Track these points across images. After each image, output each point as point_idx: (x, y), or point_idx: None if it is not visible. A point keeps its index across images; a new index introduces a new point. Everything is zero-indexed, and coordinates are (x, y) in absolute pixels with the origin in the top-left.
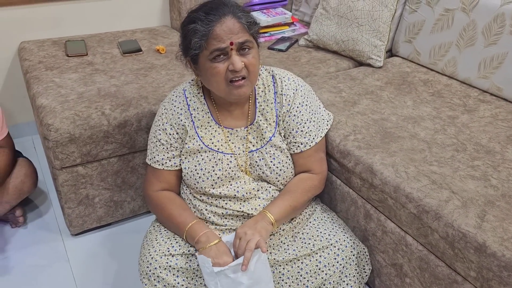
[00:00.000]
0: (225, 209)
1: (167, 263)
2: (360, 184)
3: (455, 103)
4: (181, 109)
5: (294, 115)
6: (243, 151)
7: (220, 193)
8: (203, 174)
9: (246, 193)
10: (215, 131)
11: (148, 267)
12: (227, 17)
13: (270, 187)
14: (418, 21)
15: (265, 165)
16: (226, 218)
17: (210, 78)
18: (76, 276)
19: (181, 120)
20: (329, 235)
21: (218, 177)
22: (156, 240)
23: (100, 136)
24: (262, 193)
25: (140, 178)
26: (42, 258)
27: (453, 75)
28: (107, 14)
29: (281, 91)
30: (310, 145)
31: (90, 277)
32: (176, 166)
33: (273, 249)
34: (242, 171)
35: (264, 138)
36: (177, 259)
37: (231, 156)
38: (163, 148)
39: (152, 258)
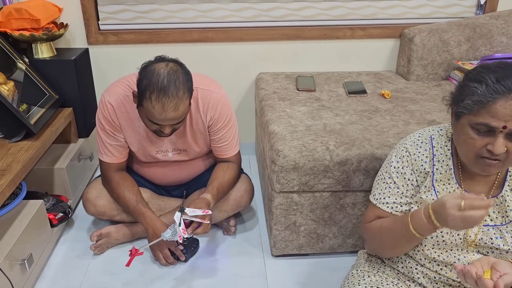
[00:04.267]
0: (439, 274)
1: None
2: None
3: None
4: (426, 156)
5: None
6: None
7: (438, 255)
8: None
9: (468, 263)
10: (454, 191)
11: None
12: None
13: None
14: None
15: (504, 244)
16: (437, 284)
17: (462, 142)
18: None
19: (424, 168)
20: None
21: (443, 241)
22: (359, 284)
23: (320, 169)
24: None
25: (347, 217)
26: (244, 269)
27: None
28: (337, 55)
29: None
30: None
31: None
32: (406, 212)
33: None
34: (468, 243)
35: (507, 216)
36: None
37: None
38: (398, 192)
39: None
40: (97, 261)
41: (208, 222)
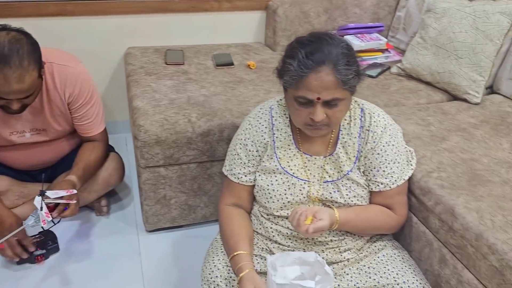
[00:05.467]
0: (290, 230)
1: (228, 273)
2: (439, 226)
3: None
4: (265, 127)
5: (378, 153)
6: (318, 180)
7: (287, 214)
8: (274, 195)
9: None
10: (294, 155)
11: (210, 274)
12: (325, 68)
13: None
14: None
15: (340, 197)
16: (290, 239)
17: (292, 113)
18: (144, 269)
19: (264, 139)
20: (397, 274)
21: (288, 201)
22: (221, 249)
23: (183, 141)
24: None
25: (215, 186)
26: (117, 248)
27: None
28: (206, 28)
29: (369, 126)
30: (390, 187)
31: (156, 273)
32: (251, 182)
33: (336, 278)
34: (312, 200)
35: (341, 171)
36: None
37: (305, 183)
38: (241, 162)
39: (215, 266)
40: None
41: (75, 201)
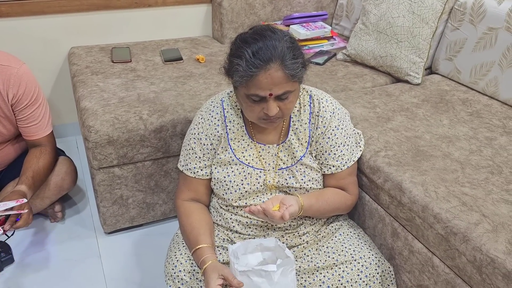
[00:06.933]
0: (249, 218)
1: (191, 266)
2: (389, 202)
3: (494, 124)
4: (218, 120)
5: (329, 137)
6: (273, 168)
7: (245, 203)
8: (231, 186)
9: (264, 201)
10: (248, 145)
11: (173, 269)
12: (273, 65)
13: None
14: (460, 39)
15: (295, 182)
16: (250, 228)
17: (245, 109)
18: (106, 272)
19: (218, 131)
20: (354, 250)
21: (246, 191)
22: (183, 243)
23: (136, 139)
24: None
25: (173, 182)
26: (76, 253)
27: (494, 95)
28: (152, 23)
29: (318, 112)
30: (342, 169)
31: (119, 274)
32: (207, 175)
33: (297, 260)
34: (269, 187)
35: (295, 157)
36: None
37: (260, 172)
38: (196, 157)
39: (177, 261)
40: None
41: (27, 210)
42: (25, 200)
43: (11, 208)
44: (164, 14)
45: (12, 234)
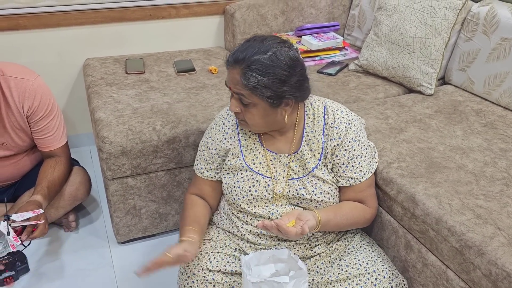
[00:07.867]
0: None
1: (204, 277)
2: (402, 213)
3: (508, 135)
4: (228, 128)
5: (346, 149)
6: (283, 177)
7: (255, 212)
8: (240, 192)
9: (281, 216)
10: (259, 152)
11: (186, 280)
12: (236, 67)
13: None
14: (473, 50)
15: (306, 193)
16: (261, 238)
17: None
18: (118, 282)
19: (225, 139)
20: (367, 263)
21: (253, 198)
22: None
23: (150, 150)
24: None
25: (185, 192)
26: (89, 262)
27: (508, 106)
28: (165, 35)
29: (332, 123)
30: (360, 180)
31: (131, 284)
32: (211, 177)
33: (310, 273)
34: (278, 196)
35: (307, 168)
36: (214, 274)
37: (269, 180)
38: (204, 159)
39: (190, 271)
40: None
41: (43, 221)
42: (41, 211)
43: (28, 219)
44: (177, 25)
45: (28, 244)
